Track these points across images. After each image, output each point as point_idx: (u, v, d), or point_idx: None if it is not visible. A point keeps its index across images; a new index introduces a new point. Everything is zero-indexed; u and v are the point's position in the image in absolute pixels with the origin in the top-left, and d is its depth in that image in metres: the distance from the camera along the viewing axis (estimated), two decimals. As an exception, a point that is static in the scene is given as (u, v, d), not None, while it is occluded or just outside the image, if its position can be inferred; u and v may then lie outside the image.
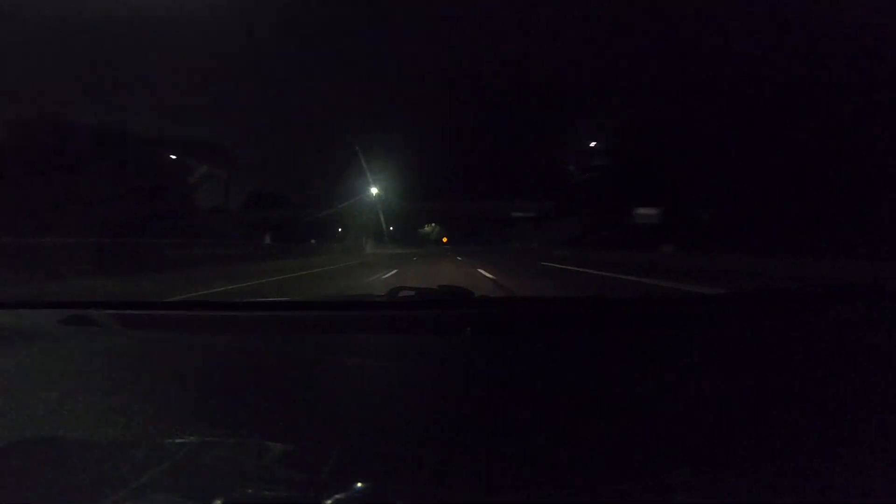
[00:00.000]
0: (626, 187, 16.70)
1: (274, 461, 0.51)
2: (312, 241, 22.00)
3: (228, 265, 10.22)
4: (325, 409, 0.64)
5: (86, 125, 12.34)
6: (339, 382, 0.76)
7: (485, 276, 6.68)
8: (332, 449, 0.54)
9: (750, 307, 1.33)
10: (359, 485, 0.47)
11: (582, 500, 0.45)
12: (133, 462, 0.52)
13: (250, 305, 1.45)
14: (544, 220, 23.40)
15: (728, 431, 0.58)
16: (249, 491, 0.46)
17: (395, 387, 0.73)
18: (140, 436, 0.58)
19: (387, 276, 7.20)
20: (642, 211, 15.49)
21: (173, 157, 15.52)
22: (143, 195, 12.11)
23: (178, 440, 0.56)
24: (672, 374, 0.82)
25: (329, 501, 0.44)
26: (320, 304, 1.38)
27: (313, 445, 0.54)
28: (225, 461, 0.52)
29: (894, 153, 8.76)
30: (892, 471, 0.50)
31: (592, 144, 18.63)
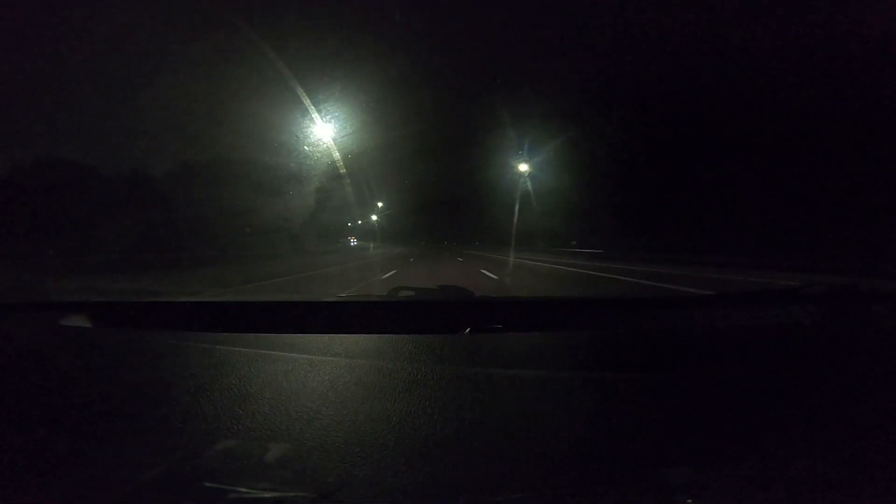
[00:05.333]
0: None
1: (274, 461, 0.52)
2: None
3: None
4: (325, 410, 0.65)
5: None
6: (339, 382, 0.76)
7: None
8: (333, 449, 0.54)
9: (748, 307, 1.33)
10: (359, 485, 0.47)
11: (582, 500, 0.45)
12: (133, 462, 0.52)
13: (251, 306, 1.45)
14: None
15: (728, 431, 0.59)
16: (249, 491, 0.46)
17: (394, 387, 0.73)
18: (140, 436, 0.58)
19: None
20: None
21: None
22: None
23: (178, 440, 0.57)
24: (671, 373, 0.82)
25: (329, 502, 0.44)
26: (320, 304, 1.38)
27: (313, 445, 0.55)
28: (225, 461, 0.52)
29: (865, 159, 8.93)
30: (892, 471, 0.50)
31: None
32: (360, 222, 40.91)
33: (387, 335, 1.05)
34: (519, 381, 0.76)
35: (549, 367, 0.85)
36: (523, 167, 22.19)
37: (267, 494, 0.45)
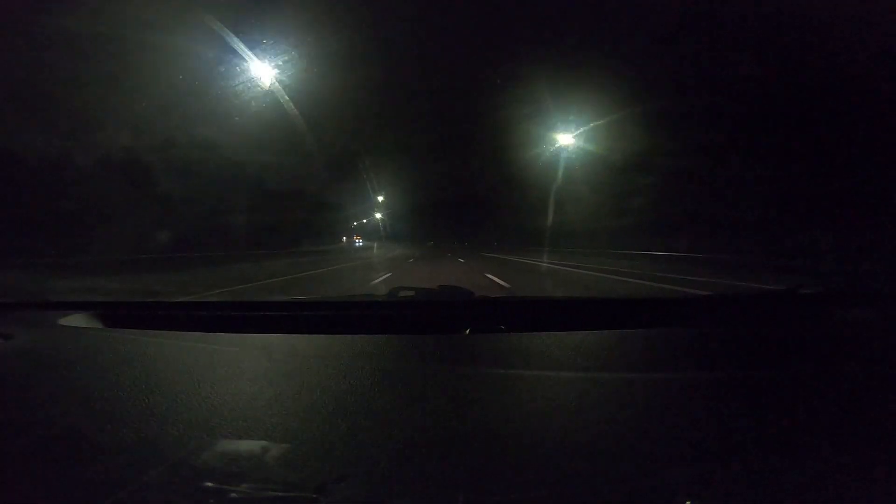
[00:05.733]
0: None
1: (274, 461, 0.52)
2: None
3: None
4: (325, 409, 0.65)
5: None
6: (339, 382, 0.76)
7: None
8: (333, 449, 0.54)
9: (749, 307, 1.33)
10: (359, 485, 0.47)
11: (582, 500, 0.45)
12: (133, 462, 0.52)
13: (251, 306, 1.45)
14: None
15: (728, 431, 0.59)
16: (249, 491, 0.46)
17: (394, 387, 0.73)
18: (140, 436, 0.58)
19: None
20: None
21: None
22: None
23: (178, 440, 0.57)
24: (670, 373, 0.82)
25: (329, 501, 0.44)
26: (320, 304, 1.38)
27: (313, 445, 0.55)
28: (225, 461, 0.52)
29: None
30: (892, 472, 0.50)
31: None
32: (364, 221, 40.14)
33: (387, 335, 1.05)
34: (519, 381, 0.76)
35: (549, 368, 0.85)
36: (566, 139, 14.91)
37: (267, 494, 0.45)
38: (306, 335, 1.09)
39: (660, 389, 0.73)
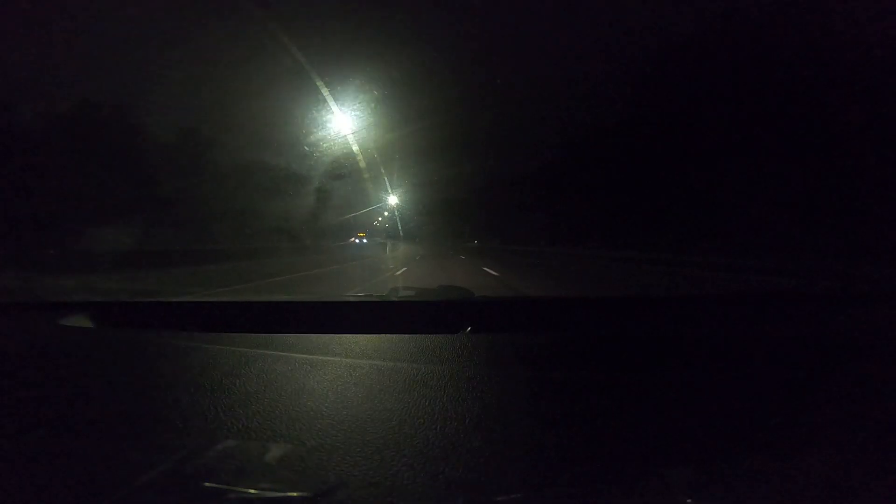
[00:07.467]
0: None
1: (274, 461, 0.52)
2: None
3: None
4: (326, 409, 0.65)
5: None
6: (339, 382, 0.76)
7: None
8: (332, 449, 0.54)
9: (749, 307, 1.33)
10: (359, 485, 0.47)
11: (582, 500, 0.45)
12: (133, 462, 0.52)
13: (251, 305, 1.45)
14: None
15: (727, 431, 0.59)
16: (250, 491, 0.46)
17: (394, 387, 0.73)
18: (140, 436, 0.58)
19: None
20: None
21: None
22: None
23: (178, 440, 0.57)
24: (671, 373, 0.82)
25: (329, 501, 0.44)
26: (320, 303, 1.38)
27: (313, 445, 0.55)
28: (225, 461, 0.52)
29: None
30: (892, 472, 0.50)
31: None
32: (380, 218, 36.94)
33: (387, 335, 1.04)
34: (519, 381, 0.76)
35: (549, 367, 0.85)
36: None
37: (267, 494, 0.45)
38: (306, 335, 1.08)
39: (661, 389, 0.73)
